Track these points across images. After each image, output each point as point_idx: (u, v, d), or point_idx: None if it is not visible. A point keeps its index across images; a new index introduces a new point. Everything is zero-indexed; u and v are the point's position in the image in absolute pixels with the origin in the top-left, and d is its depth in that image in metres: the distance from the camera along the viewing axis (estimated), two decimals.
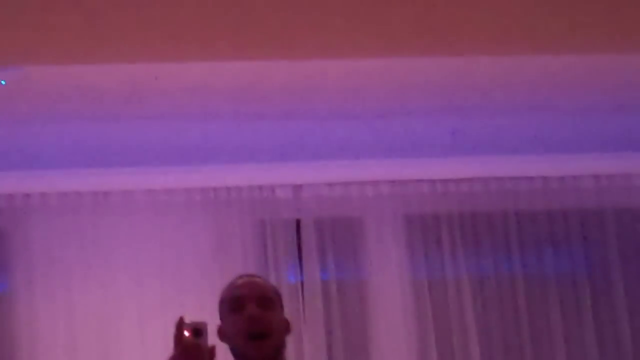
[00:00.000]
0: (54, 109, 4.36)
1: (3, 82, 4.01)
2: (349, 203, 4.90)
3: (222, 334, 2.90)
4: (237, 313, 2.86)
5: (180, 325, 2.71)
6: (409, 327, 4.85)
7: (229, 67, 4.02)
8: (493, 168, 4.93)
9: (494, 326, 4.89)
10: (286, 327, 2.93)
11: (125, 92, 4.23)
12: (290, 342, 4.56)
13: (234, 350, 2.86)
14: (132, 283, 4.75)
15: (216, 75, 4.13)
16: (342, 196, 4.90)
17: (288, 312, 2.98)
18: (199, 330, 2.72)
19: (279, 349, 2.89)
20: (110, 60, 3.81)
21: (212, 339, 2.78)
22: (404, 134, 4.76)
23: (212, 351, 2.73)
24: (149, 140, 4.67)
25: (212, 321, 2.82)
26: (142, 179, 4.81)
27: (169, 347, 2.69)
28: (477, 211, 4.94)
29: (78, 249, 4.76)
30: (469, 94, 4.42)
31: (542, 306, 4.92)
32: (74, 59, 3.78)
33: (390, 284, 4.87)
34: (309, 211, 4.89)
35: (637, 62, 4.12)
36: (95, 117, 4.45)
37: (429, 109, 4.56)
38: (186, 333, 2.71)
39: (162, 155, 4.75)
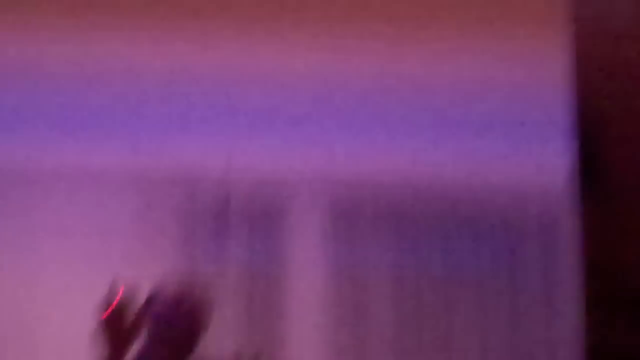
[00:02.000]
0: None
1: None
2: (274, 190, 4.89)
3: None
4: None
5: (111, 297, 2.65)
6: (325, 316, 4.87)
7: None
8: (423, 166, 4.92)
9: (410, 319, 4.89)
10: None
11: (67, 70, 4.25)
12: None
13: None
14: (57, 252, 4.71)
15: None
16: (268, 181, 4.88)
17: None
18: (126, 308, 2.66)
19: None
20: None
21: None
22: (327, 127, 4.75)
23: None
24: (86, 108, 4.63)
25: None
26: (74, 149, 4.75)
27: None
28: (399, 207, 4.93)
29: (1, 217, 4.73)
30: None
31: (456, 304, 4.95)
32: None
33: (309, 273, 4.88)
34: (235, 192, 4.86)
35: None
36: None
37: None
38: (114, 308, 2.61)
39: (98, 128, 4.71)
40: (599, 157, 4.37)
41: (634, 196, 3.92)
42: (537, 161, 4.94)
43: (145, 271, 4.41)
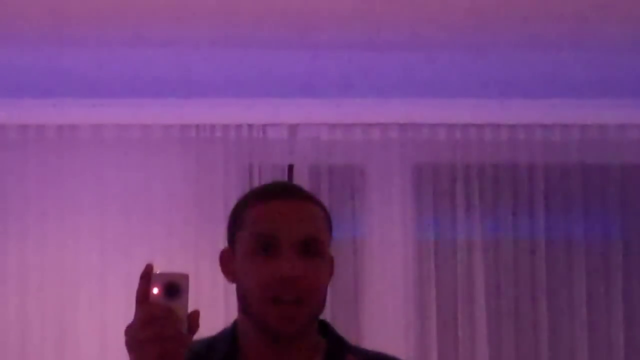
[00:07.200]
0: (18, 33, 4.11)
1: None
2: (350, 148, 4.56)
3: (229, 267, 2.06)
4: (265, 260, 1.98)
5: (148, 276, 1.83)
6: (409, 291, 4.49)
7: None
8: (522, 114, 4.55)
9: (506, 298, 4.52)
10: (330, 273, 2.08)
11: (100, 15, 3.96)
12: None
13: (245, 306, 2.03)
14: (95, 226, 4.43)
15: None
16: (343, 140, 4.55)
17: None
18: (174, 287, 1.85)
19: (316, 316, 2.05)
20: None
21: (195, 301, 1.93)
22: (417, 70, 4.49)
23: (193, 319, 1.84)
24: (124, 69, 4.45)
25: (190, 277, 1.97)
26: (113, 111, 4.46)
27: (132, 303, 1.89)
28: (499, 162, 4.57)
29: (38, 187, 4.45)
30: (491, 29, 4.18)
31: (565, 276, 4.55)
32: None
33: (391, 244, 4.51)
34: (304, 156, 4.54)
35: None
36: (62, 43, 4.20)
37: (446, 44, 4.32)
38: (155, 290, 1.85)
39: (136, 86, 4.46)
40: None
41: None
42: None
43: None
